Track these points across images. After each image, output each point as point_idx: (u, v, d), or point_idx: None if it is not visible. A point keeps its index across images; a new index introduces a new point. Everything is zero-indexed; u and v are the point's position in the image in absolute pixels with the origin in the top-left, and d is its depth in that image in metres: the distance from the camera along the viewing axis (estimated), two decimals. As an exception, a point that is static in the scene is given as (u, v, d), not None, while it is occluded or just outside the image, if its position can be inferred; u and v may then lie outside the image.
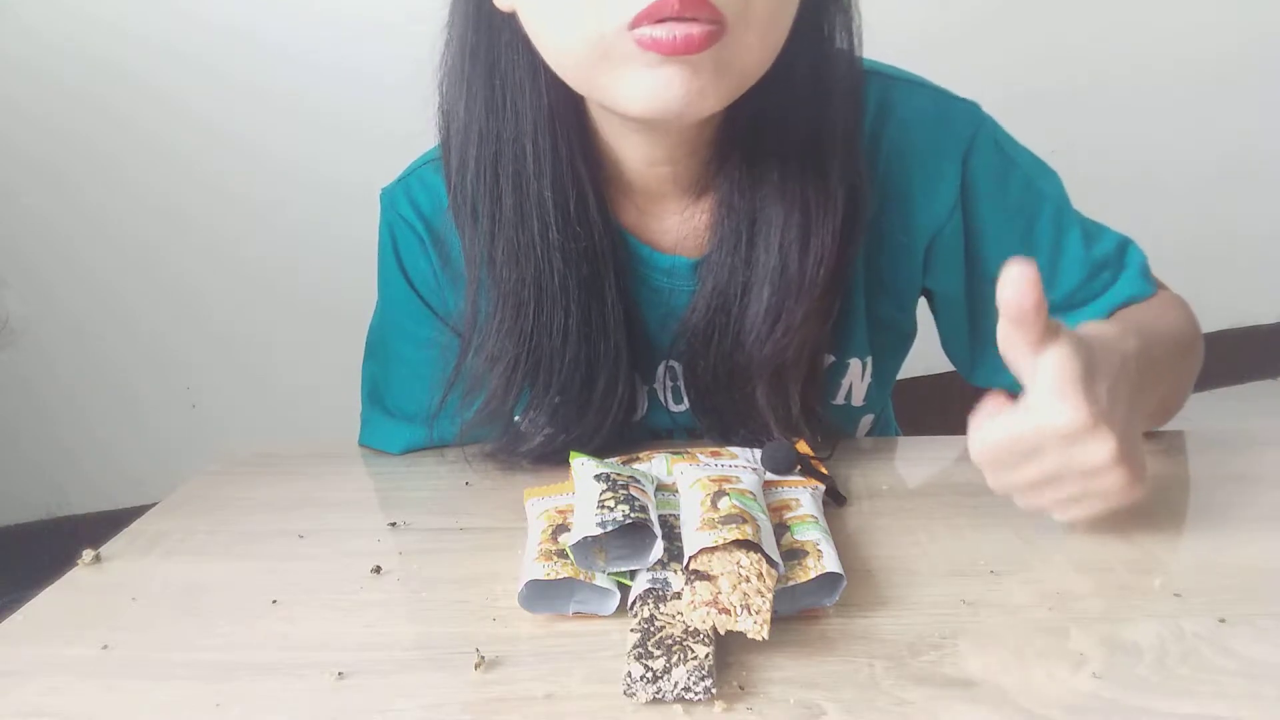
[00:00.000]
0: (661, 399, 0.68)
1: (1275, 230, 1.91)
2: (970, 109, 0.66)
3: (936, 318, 0.72)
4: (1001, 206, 0.66)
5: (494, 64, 0.56)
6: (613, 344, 0.62)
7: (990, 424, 0.47)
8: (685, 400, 0.67)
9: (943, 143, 0.64)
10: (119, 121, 1.43)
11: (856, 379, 0.70)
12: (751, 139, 0.58)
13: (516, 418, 0.65)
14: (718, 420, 0.65)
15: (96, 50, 1.39)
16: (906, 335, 0.73)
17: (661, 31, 0.46)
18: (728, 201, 0.60)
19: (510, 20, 0.54)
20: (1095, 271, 0.67)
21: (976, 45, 1.65)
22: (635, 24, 0.46)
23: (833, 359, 0.67)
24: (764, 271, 0.59)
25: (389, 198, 0.69)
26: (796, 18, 0.51)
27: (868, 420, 0.74)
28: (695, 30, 0.46)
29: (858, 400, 0.71)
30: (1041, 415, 0.45)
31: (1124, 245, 0.68)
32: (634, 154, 0.60)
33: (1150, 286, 0.67)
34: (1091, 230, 0.68)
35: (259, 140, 1.46)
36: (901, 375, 0.76)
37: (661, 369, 0.67)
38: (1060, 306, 0.67)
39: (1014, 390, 0.49)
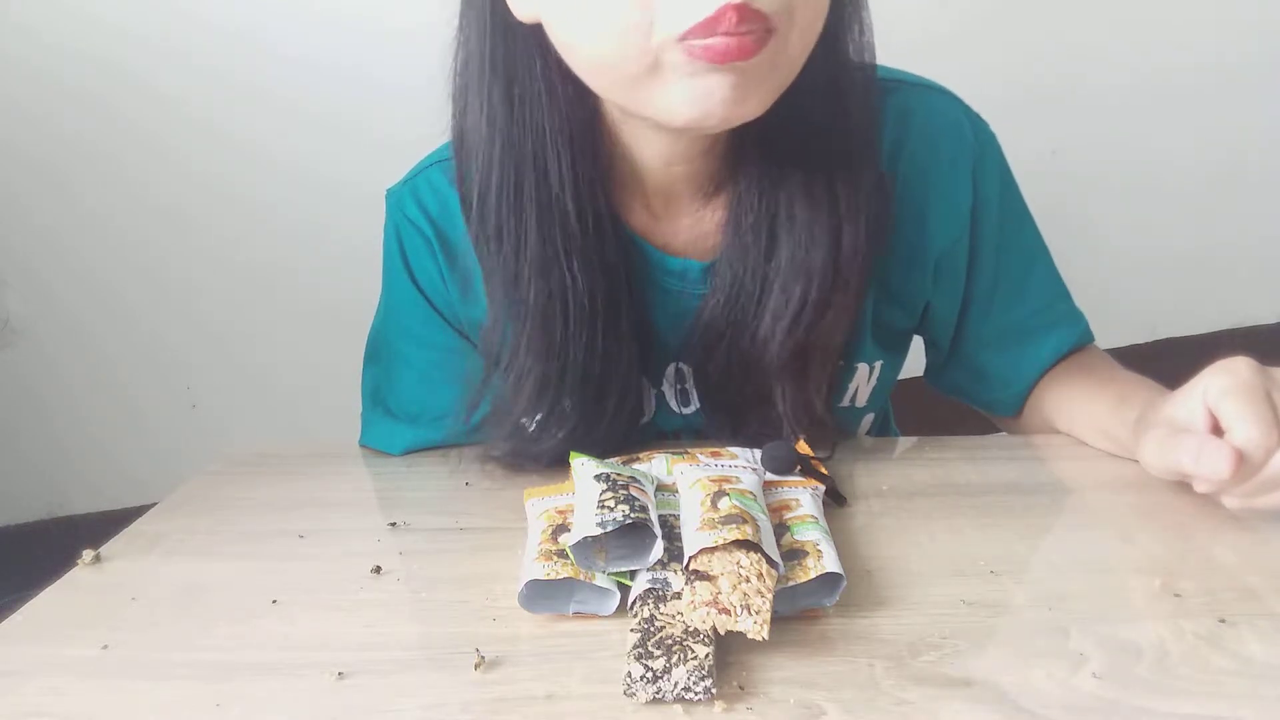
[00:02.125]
0: (669, 401, 0.68)
1: (1275, 231, 1.91)
2: (982, 122, 0.67)
3: (922, 323, 0.73)
4: (998, 226, 0.68)
5: (512, 76, 0.55)
6: (626, 352, 0.62)
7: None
8: (693, 402, 0.67)
9: (961, 155, 0.65)
10: (119, 122, 1.42)
11: (863, 383, 0.70)
12: (768, 136, 0.57)
13: (529, 423, 0.65)
14: (729, 419, 0.65)
15: (96, 50, 1.39)
16: (910, 336, 0.73)
17: (716, 40, 0.45)
18: (745, 200, 0.60)
19: (528, 31, 0.53)
20: (1057, 298, 0.71)
21: (976, 45, 1.65)
22: (686, 36, 0.45)
23: (840, 364, 0.68)
24: (790, 266, 0.59)
25: (395, 199, 0.69)
26: None
27: (868, 420, 0.74)
28: (748, 38, 0.45)
29: (861, 402, 0.71)
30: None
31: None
32: (651, 155, 0.60)
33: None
34: (1052, 260, 0.72)
35: (259, 141, 1.46)
36: (901, 375, 0.76)
37: (670, 371, 0.67)
38: (1024, 325, 0.70)
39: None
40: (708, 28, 0.45)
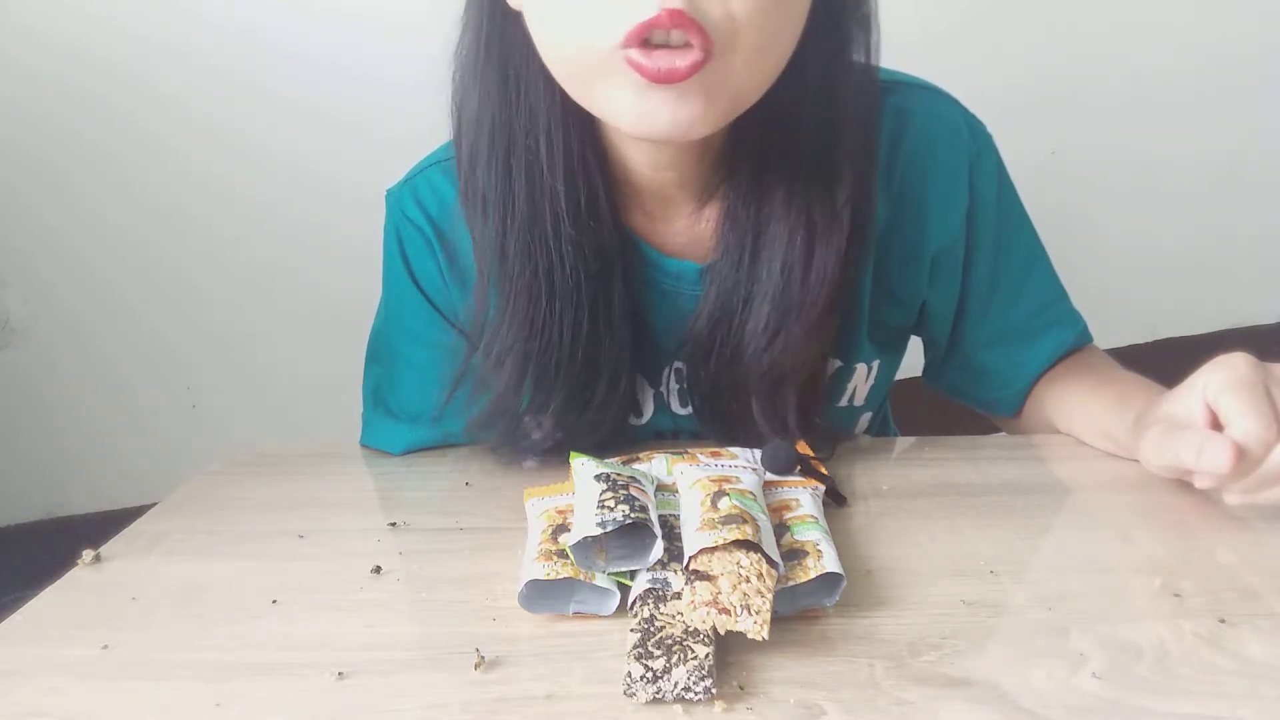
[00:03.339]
0: (669, 402, 0.68)
1: (1275, 231, 1.91)
2: (979, 123, 0.67)
3: (920, 322, 0.73)
4: (994, 226, 0.68)
5: (508, 58, 0.56)
6: (616, 342, 0.62)
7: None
8: (690, 404, 0.67)
9: (958, 155, 0.65)
10: (119, 122, 1.42)
11: (861, 381, 0.70)
12: (760, 149, 0.58)
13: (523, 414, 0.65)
14: (720, 426, 0.65)
15: (96, 50, 1.39)
16: (907, 334, 0.74)
17: (647, 61, 0.46)
18: (732, 213, 0.60)
19: (519, 18, 0.54)
20: (1055, 299, 0.71)
21: (977, 46, 1.65)
22: (626, 44, 0.46)
23: (839, 364, 0.68)
24: (765, 287, 0.59)
25: (395, 199, 0.69)
26: (814, 32, 0.52)
27: (865, 418, 0.74)
28: (679, 63, 0.46)
29: (859, 401, 0.71)
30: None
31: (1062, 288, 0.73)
32: (639, 158, 0.60)
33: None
34: (1049, 262, 0.72)
35: (259, 141, 1.46)
36: (901, 375, 0.76)
37: (667, 371, 0.67)
38: (1022, 326, 0.70)
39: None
40: (643, 30, 0.45)
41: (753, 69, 0.49)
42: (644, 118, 0.48)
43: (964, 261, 0.68)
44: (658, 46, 0.46)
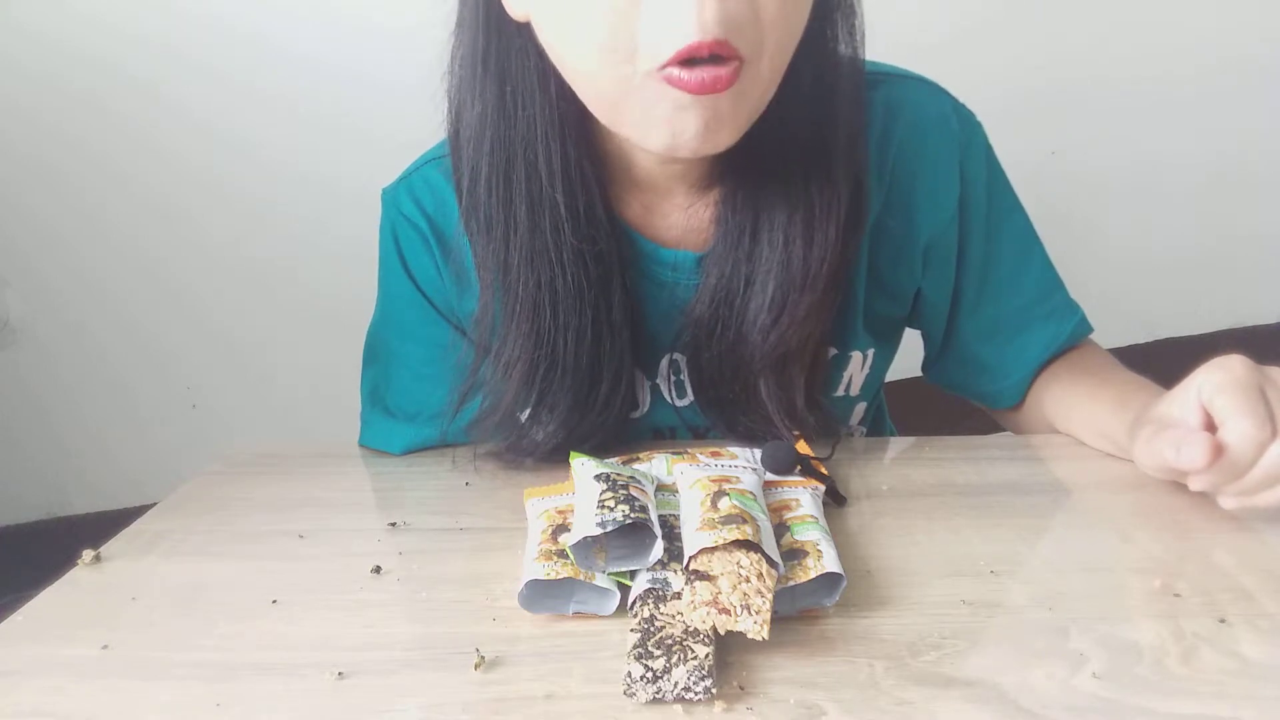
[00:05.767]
0: (665, 393, 0.68)
1: (1275, 231, 1.91)
2: (967, 111, 0.67)
3: (915, 312, 0.73)
4: (985, 214, 0.68)
5: (505, 71, 0.56)
6: (618, 342, 0.62)
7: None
8: (689, 394, 0.67)
9: (948, 143, 0.65)
10: (119, 122, 1.42)
11: (857, 370, 0.70)
12: (756, 136, 0.58)
13: (522, 417, 0.65)
14: (722, 412, 0.65)
15: (96, 50, 1.39)
16: (901, 324, 0.74)
17: (690, 75, 0.47)
18: (731, 197, 0.61)
19: (521, 28, 0.54)
20: (1052, 290, 0.71)
21: (978, 47, 1.65)
22: (664, 66, 0.47)
23: (835, 352, 0.68)
24: (767, 266, 0.60)
25: (391, 197, 0.69)
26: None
27: (861, 408, 0.74)
28: (722, 71, 0.47)
29: (855, 390, 0.71)
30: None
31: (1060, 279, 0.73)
32: (643, 154, 0.60)
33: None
34: (1045, 252, 0.72)
35: (259, 141, 1.46)
36: (899, 375, 0.76)
37: (665, 363, 0.67)
38: (1018, 316, 0.70)
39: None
40: (683, 56, 0.46)
41: (773, 70, 0.51)
42: (675, 135, 0.50)
43: (957, 250, 0.68)
44: (693, 66, 0.47)
